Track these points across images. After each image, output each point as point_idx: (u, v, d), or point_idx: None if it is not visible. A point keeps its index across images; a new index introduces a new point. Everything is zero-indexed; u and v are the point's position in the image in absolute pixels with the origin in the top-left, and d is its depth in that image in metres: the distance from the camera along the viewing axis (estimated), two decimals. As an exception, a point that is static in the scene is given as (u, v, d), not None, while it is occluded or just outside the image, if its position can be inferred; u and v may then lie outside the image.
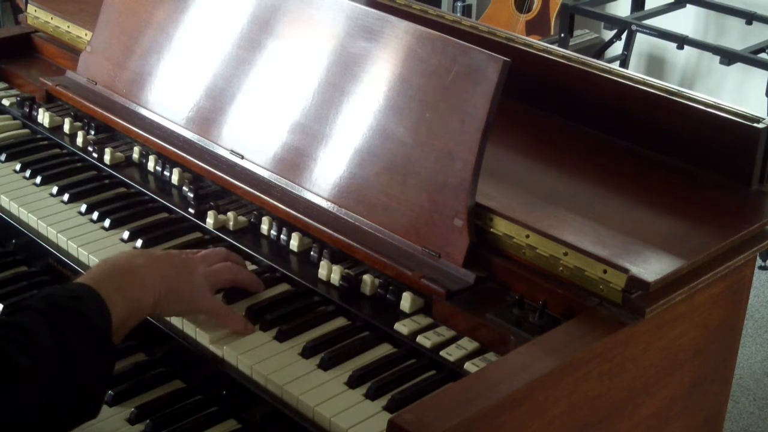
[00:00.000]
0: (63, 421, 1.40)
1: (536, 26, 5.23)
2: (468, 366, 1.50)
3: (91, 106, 2.17)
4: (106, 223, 1.88)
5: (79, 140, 2.14)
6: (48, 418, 1.36)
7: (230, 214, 1.86)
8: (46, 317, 1.38)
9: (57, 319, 1.38)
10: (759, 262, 4.16)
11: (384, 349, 1.59)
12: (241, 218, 1.86)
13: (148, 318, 1.65)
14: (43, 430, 1.38)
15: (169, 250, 1.66)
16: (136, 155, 2.08)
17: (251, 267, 1.77)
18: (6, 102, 2.32)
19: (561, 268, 1.58)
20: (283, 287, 1.73)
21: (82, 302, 1.43)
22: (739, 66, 4.38)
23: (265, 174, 1.89)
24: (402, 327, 1.59)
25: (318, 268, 1.72)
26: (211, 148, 1.98)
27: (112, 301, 1.46)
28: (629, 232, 1.63)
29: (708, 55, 4.72)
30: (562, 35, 4.75)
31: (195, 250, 1.71)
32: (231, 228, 1.85)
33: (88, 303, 1.43)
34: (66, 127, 2.19)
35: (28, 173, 2.06)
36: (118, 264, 1.54)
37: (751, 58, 4.22)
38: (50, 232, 1.89)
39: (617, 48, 4.99)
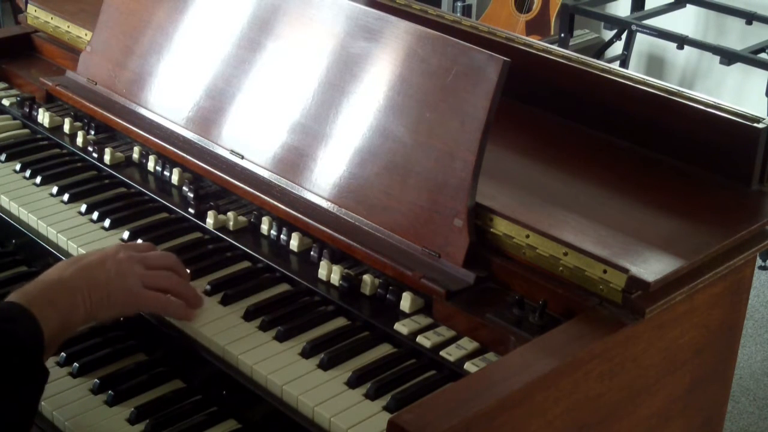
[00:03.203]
0: None
1: (536, 26, 5.23)
2: (468, 366, 1.50)
3: (91, 106, 2.17)
4: (106, 223, 1.88)
5: (79, 140, 2.14)
6: None
7: (230, 214, 1.86)
8: None
9: None
10: (759, 262, 4.16)
11: (384, 349, 1.59)
12: (241, 218, 1.86)
13: (148, 318, 1.65)
14: None
15: (107, 249, 1.64)
16: (136, 155, 2.08)
17: (251, 267, 1.78)
18: (6, 102, 2.32)
19: (561, 268, 1.58)
20: (283, 287, 1.73)
21: (15, 324, 1.43)
22: (739, 66, 4.38)
23: (265, 174, 1.89)
24: (402, 327, 1.59)
25: (318, 268, 1.72)
26: (211, 148, 1.98)
27: (45, 317, 1.46)
28: (629, 232, 1.63)
29: (708, 55, 4.72)
30: (562, 35, 4.75)
31: (145, 244, 1.71)
32: (231, 228, 1.85)
33: (20, 324, 1.44)
34: (66, 127, 2.19)
35: (28, 173, 2.06)
36: (48, 278, 1.54)
37: (751, 58, 4.22)
38: (50, 232, 1.89)
39: (617, 48, 4.99)
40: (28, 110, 2.26)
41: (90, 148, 2.10)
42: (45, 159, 2.12)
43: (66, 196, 1.97)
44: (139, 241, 1.82)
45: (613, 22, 4.76)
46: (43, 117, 2.21)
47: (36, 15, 2.49)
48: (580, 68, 1.98)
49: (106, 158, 2.06)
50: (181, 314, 1.62)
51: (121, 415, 1.56)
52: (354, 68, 1.81)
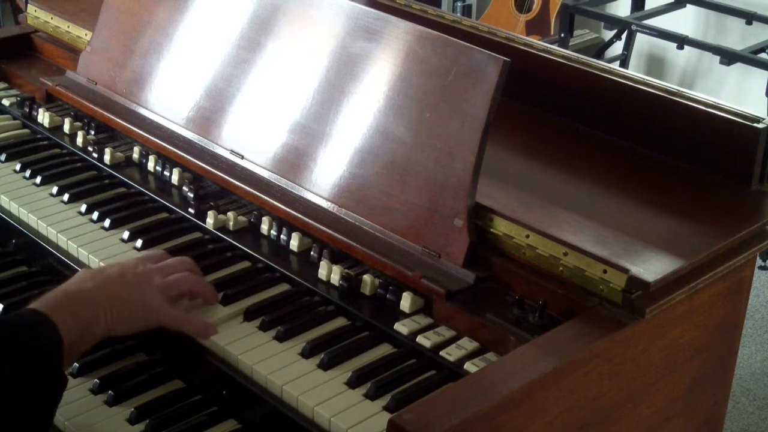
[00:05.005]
0: None
1: (536, 26, 5.23)
2: (468, 366, 1.50)
3: (91, 106, 2.17)
4: (106, 223, 1.88)
5: (79, 140, 2.14)
6: None
7: (230, 214, 1.86)
8: None
9: (7, 350, 1.39)
10: (759, 262, 4.16)
11: (384, 349, 1.59)
12: (241, 218, 1.86)
13: (148, 318, 1.65)
14: None
15: (125, 263, 1.64)
16: (136, 155, 2.08)
17: (251, 267, 1.78)
18: (6, 102, 2.32)
19: (561, 268, 1.58)
20: (283, 287, 1.73)
21: (34, 330, 1.44)
22: (739, 66, 4.38)
23: (265, 174, 1.89)
24: (402, 327, 1.59)
25: (318, 268, 1.72)
26: (211, 148, 1.98)
27: (65, 325, 1.46)
28: (629, 232, 1.63)
29: (708, 55, 4.72)
30: (562, 35, 4.76)
31: (158, 254, 1.71)
32: (231, 228, 1.85)
33: (40, 331, 1.44)
34: (66, 127, 2.19)
35: (28, 173, 2.06)
36: (70, 289, 1.55)
37: (751, 58, 4.22)
38: (50, 232, 1.89)
39: (617, 48, 4.99)
40: (28, 110, 2.26)
41: (90, 148, 2.10)
42: (45, 159, 2.12)
43: (66, 196, 1.97)
44: (140, 241, 1.82)
45: (613, 22, 4.76)
46: (43, 117, 2.21)
47: (36, 15, 2.49)
48: (580, 68, 1.98)
49: (106, 158, 2.06)
50: (200, 333, 1.61)
51: (121, 415, 1.56)
52: (354, 68, 1.81)
